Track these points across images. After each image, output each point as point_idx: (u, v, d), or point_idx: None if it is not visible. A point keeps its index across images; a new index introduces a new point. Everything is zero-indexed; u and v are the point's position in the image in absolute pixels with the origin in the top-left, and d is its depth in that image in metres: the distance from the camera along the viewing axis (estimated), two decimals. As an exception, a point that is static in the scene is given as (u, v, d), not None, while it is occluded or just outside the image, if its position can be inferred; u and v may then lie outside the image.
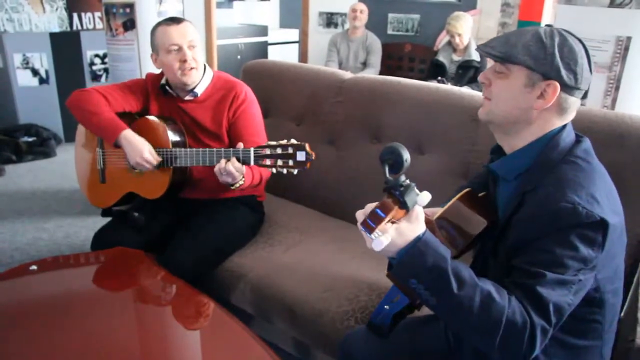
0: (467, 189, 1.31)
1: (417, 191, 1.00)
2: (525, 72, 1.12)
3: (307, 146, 1.66)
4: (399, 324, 1.16)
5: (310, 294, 1.74)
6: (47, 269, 1.80)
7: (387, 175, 0.99)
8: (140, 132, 1.95)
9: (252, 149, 1.71)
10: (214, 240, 1.94)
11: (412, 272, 1.02)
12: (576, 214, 1.02)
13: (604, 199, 1.07)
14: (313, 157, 1.67)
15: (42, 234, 3.20)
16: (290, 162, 1.67)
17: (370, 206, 1.03)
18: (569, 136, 1.16)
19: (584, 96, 1.17)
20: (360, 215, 1.04)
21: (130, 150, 1.89)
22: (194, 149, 1.85)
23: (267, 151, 1.68)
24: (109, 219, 2.10)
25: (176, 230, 1.99)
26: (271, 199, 2.38)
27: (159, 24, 1.96)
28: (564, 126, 1.17)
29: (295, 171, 1.68)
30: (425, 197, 1.00)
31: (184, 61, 1.90)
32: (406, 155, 1.00)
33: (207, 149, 1.81)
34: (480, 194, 1.32)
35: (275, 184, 2.22)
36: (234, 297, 1.93)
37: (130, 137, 1.90)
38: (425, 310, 1.18)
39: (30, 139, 4.69)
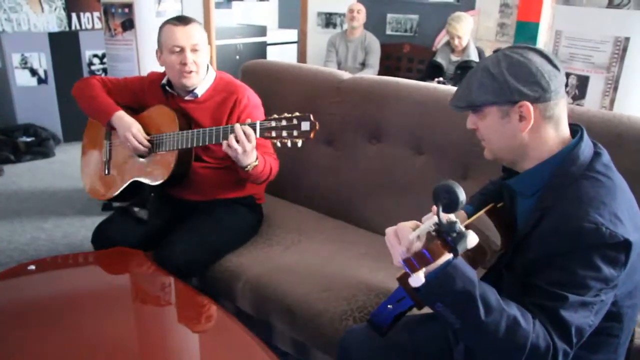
0: (492, 204, 1.30)
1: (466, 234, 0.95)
2: (494, 108, 1.14)
3: (311, 116, 1.68)
4: (397, 322, 1.17)
5: (309, 294, 1.74)
6: (46, 268, 1.81)
7: (441, 215, 0.93)
8: (150, 117, 2.01)
9: (258, 122, 1.72)
10: (208, 237, 1.94)
11: (440, 296, 1.01)
12: (599, 235, 1.01)
13: (626, 216, 1.06)
14: (317, 127, 1.68)
15: (41, 233, 3.20)
16: (295, 133, 1.68)
17: (405, 228, 1.02)
18: (587, 147, 1.15)
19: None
20: (391, 235, 1.03)
21: (120, 126, 1.96)
22: (201, 129, 1.86)
23: (273, 123, 1.70)
24: (108, 214, 2.11)
25: (175, 228, 1.99)
26: (270, 199, 2.38)
27: (167, 22, 1.96)
28: (581, 137, 1.16)
29: (300, 142, 1.68)
30: (473, 241, 0.96)
31: (184, 64, 1.90)
32: (462, 196, 0.95)
33: (214, 127, 1.83)
34: (499, 205, 1.32)
35: (274, 184, 2.22)
36: (233, 297, 1.93)
37: (123, 116, 1.98)
38: (425, 309, 1.18)
39: (28, 139, 4.68)
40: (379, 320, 1.15)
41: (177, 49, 1.90)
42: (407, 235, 1.01)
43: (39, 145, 4.66)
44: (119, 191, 2.05)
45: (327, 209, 2.35)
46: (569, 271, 1.03)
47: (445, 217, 0.95)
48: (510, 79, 1.10)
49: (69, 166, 4.37)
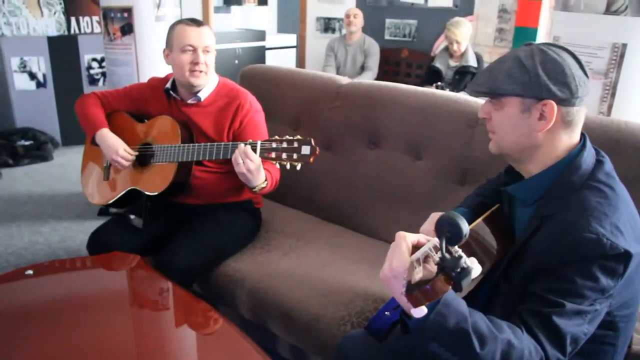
0: (490, 211, 1.29)
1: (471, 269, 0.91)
2: (517, 100, 1.11)
3: (312, 141, 1.68)
4: (395, 328, 1.16)
5: (307, 299, 1.74)
6: (43, 273, 1.80)
7: (444, 250, 0.90)
8: (153, 127, 2.02)
9: (259, 142, 1.72)
10: (209, 242, 1.94)
11: (433, 337, 0.97)
12: (600, 246, 1.01)
13: (627, 227, 1.05)
14: (317, 152, 1.68)
15: (38, 238, 3.19)
16: (295, 156, 1.68)
17: (402, 245, 0.98)
18: (589, 156, 1.14)
19: None
20: (400, 243, 0.98)
21: (105, 147, 1.99)
22: (202, 144, 1.87)
23: (273, 145, 1.70)
24: (105, 219, 2.11)
25: (173, 234, 1.99)
26: (268, 204, 2.38)
27: (179, 21, 1.99)
28: (584, 145, 1.15)
29: (299, 166, 1.69)
30: (477, 272, 0.91)
31: (196, 63, 1.92)
32: (466, 229, 0.92)
33: (215, 143, 1.84)
34: (495, 208, 1.31)
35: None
36: (231, 302, 1.92)
37: (105, 135, 2.00)
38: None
39: (27, 143, 4.68)
40: (377, 326, 1.15)
41: (190, 49, 1.92)
42: (403, 253, 0.97)
43: (38, 149, 4.65)
44: (116, 198, 2.05)
45: (326, 214, 2.35)
46: (567, 280, 1.02)
47: (448, 249, 0.92)
48: (542, 74, 1.08)
49: (67, 170, 4.37)
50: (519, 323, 1.04)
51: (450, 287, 0.89)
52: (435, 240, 0.95)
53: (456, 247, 0.91)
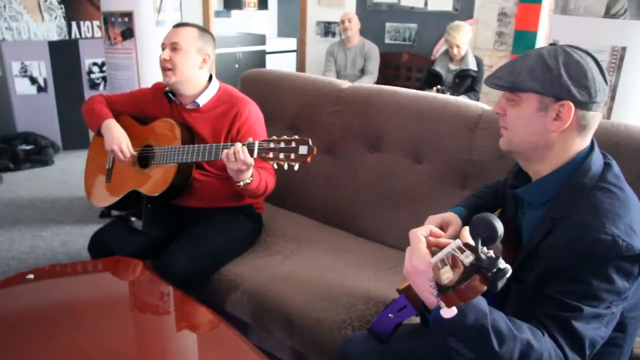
0: (497, 211, 1.29)
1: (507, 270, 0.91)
2: (535, 97, 1.11)
3: (310, 141, 1.68)
4: (397, 330, 1.17)
5: (308, 303, 1.74)
6: (44, 277, 1.80)
7: (480, 251, 0.89)
8: (154, 129, 2.03)
9: (256, 142, 1.72)
10: (209, 246, 1.94)
11: (452, 331, 0.97)
12: (616, 247, 1.01)
13: None
14: (315, 152, 1.68)
15: (39, 242, 3.20)
16: (292, 156, 1.68)
17: (420, 244, 0.99)
18: (598, 158, 1.14)
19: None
20: (415, 242, 0.99)
21: (108, 136, 2.00)
22: (201, 145, 1.88)
23: (271, 145, 1.71)
24: (106, 222, 2.12)
25: (173, 237, 2.00)
26: (269, 208, 2.38)
27: None
28: (592, 148, 1.15)
29: (296, 166, 1.68)
30: (509, 273, 0.90)
31: (161, 59, 1.95)
32: (501, 231, 0.91)
33: (214, 144, 1.85)
34: (497, 212, 1.31)
35: (274, 192, 2.23)
36: (232, 306, 1.92)
37: (111, 126, 2.02)
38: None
39: (28, 147, 4.69)
40: (380, 329, 1.15)
41: (162, 47, 1.97)
42: (420, 249, 0.98)
43: (38, 154, 4.66)
44: (117, 200, 2.06)
45: (326, 218, 2.35)
46: (584, 283, 1.02)
47: (483, 250, 0.92)
48: (564, 74, 1.08)
49: (68, 174, 4.37)
50: (539, 326, 1.04)
51: (485, 287, 0.89)
52: (457, 242, 0.95)
53: (485, 248, 0.90)
